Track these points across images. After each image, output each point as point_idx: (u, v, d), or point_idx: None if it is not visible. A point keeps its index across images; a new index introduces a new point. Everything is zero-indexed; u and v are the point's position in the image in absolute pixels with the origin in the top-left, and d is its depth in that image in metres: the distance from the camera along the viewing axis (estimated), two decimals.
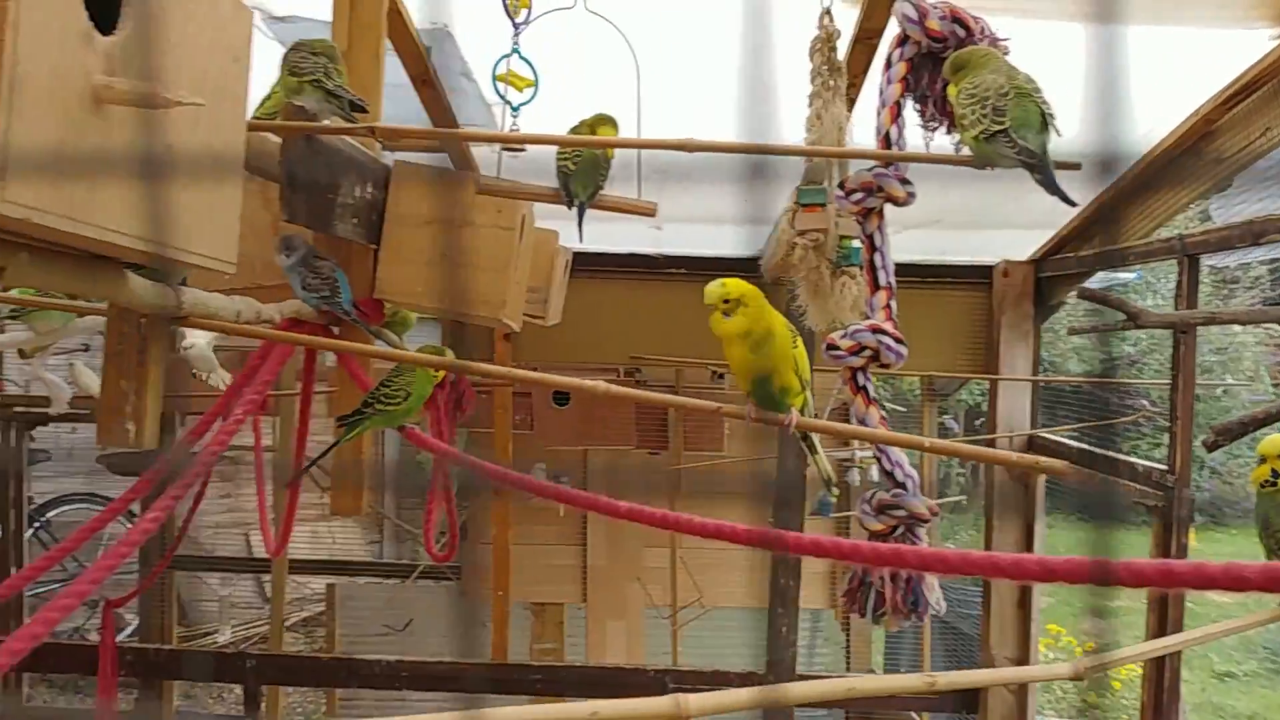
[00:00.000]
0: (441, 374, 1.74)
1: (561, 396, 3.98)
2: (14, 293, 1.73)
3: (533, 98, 1.75)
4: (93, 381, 3.05)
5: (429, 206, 1.81)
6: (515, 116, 1.75)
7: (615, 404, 3.87)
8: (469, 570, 4.36)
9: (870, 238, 1.62)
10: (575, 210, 1.75)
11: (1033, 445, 3.56)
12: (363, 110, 1.53)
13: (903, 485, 1.60)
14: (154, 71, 0.89)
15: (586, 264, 3.31)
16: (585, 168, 1.73)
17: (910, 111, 1.59)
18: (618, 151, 1.73)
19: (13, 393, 4.70)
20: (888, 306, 1.61)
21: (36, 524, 5.34)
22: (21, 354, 1.92)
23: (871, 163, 1.57)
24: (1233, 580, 0.72)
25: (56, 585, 5.45)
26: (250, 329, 1.51)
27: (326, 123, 1.54)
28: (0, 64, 0.74)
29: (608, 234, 3.33)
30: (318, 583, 6.16)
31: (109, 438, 1.32)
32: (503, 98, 1.74)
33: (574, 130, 1.72)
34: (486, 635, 3.77)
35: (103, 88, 0.85)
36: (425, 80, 2.28)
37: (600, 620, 4.25)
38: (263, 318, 1.55)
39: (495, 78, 1.74)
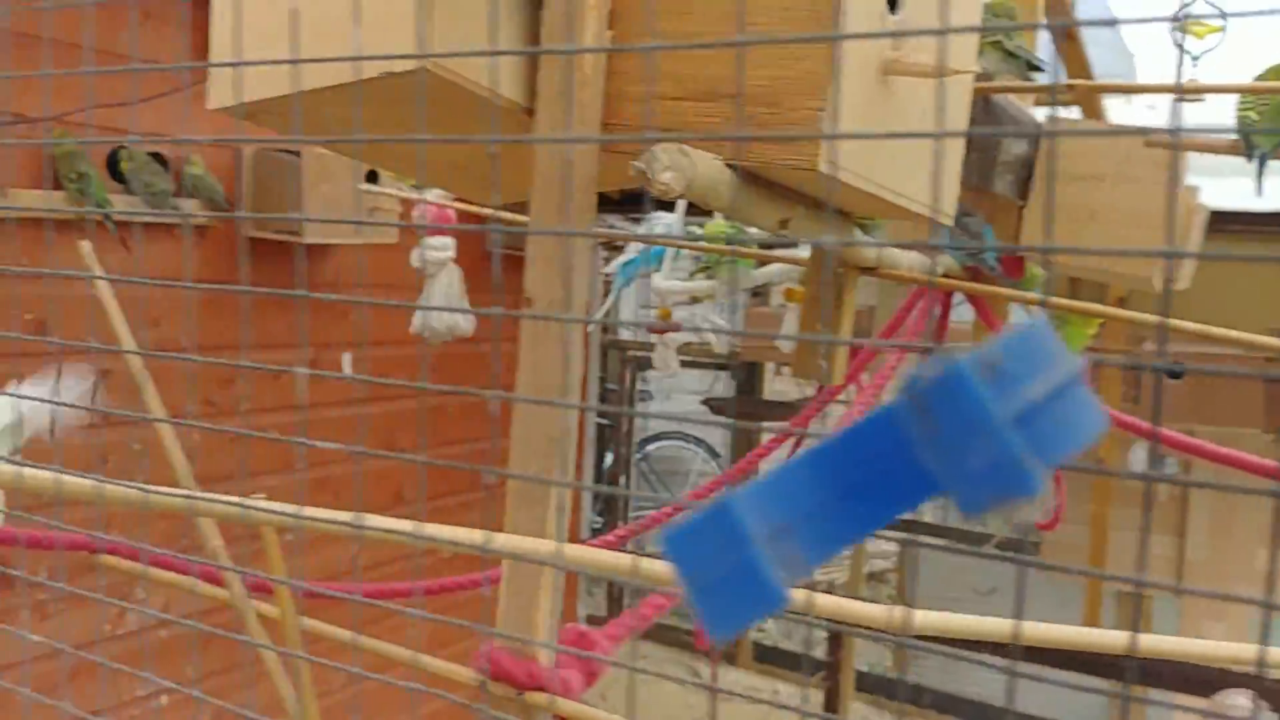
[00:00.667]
0: (1094, 331, 1.72)
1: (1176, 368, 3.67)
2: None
3: (1218, 44, 1.65)
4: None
5: (1088, 162, 1.78)
6: (1195, 65, 1.67)
7: (1238, 378, 3.50)
8: (1049, 546, 4.23)
9: None
10: (1254, 163, 1.63)
11: None
12: (1039, 70, 1.56)
13: None
14: (929, 45, 0.98)
15: (1226, 223, 3.01)
16: (1272, 116, 1.60)
17: None
18: None
19: (625, 338, 5.40)
20: None
21: (639, 455, 6.13)
22: (694, 299, 2.23)
23: None
24: None
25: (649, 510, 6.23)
26: (918, 278, 1.62)
27: (1002, 82, 1.59)
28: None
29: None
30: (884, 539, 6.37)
31: (803, 372, 1.50)
32: (1181, 47, 1.66)
33: (1261, 78, 1.60)
34: (1074, 617, 3.66)
35: (891, 61, 0.96)
36: (1069, 34, 2.25)
37: (1195, 620, 3.91)
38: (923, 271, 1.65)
39: (1174, 27, 1.66)
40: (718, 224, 2.06)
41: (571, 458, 1.01)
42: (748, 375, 5.12)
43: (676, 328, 2.05)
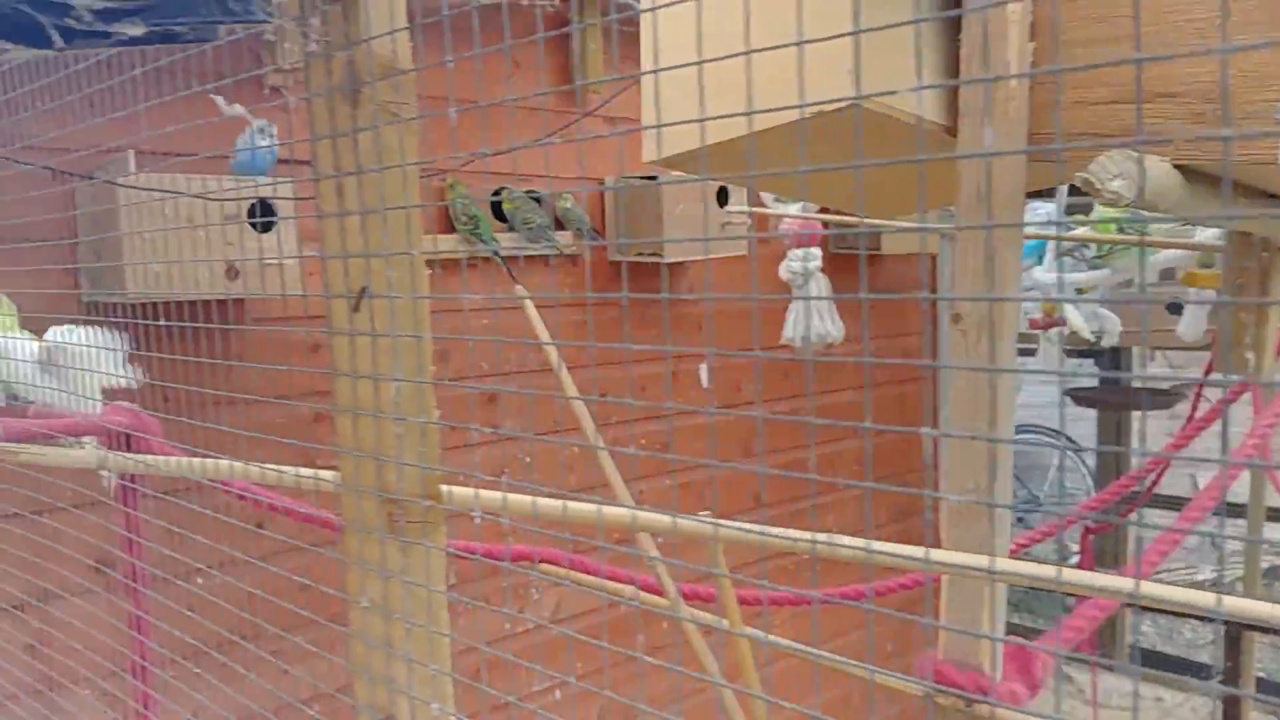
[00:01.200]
0: None
1: None
2: (1083, 231, 1.92)
3: None
4: (1075, 321, 3.23)
5: None
6: None
7: None
8: None
9: None
10: None
11: None
12: None
13: None
14: None
15: None
16: None
17: None
18: None
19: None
20: None
21: None
22: (1079, 291, 2.13)
23: None
24: None
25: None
26: None
27: None
28: None
29: None
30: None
31: (1229, 366, 1.40)
32: None
33: None
34: None
35: None
36: None
37: None
38: None
39: None
40: (1105, 211, 1.96)
41: (1009, 472, 1.01)
42: (1113, 362, 4.79)
43: (1059, 323, 1.97)
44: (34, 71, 1.62)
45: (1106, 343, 2.73)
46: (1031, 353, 4.96)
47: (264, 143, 2.32)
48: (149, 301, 2.03)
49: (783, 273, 2.33)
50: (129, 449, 1.34)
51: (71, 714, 2.27)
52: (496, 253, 2.80)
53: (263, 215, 2.34)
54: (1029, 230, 2.13)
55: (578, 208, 2.97)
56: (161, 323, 1.19)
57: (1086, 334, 3.15)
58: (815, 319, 2.26)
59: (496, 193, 2.89)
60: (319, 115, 0.70)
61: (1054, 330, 2.09)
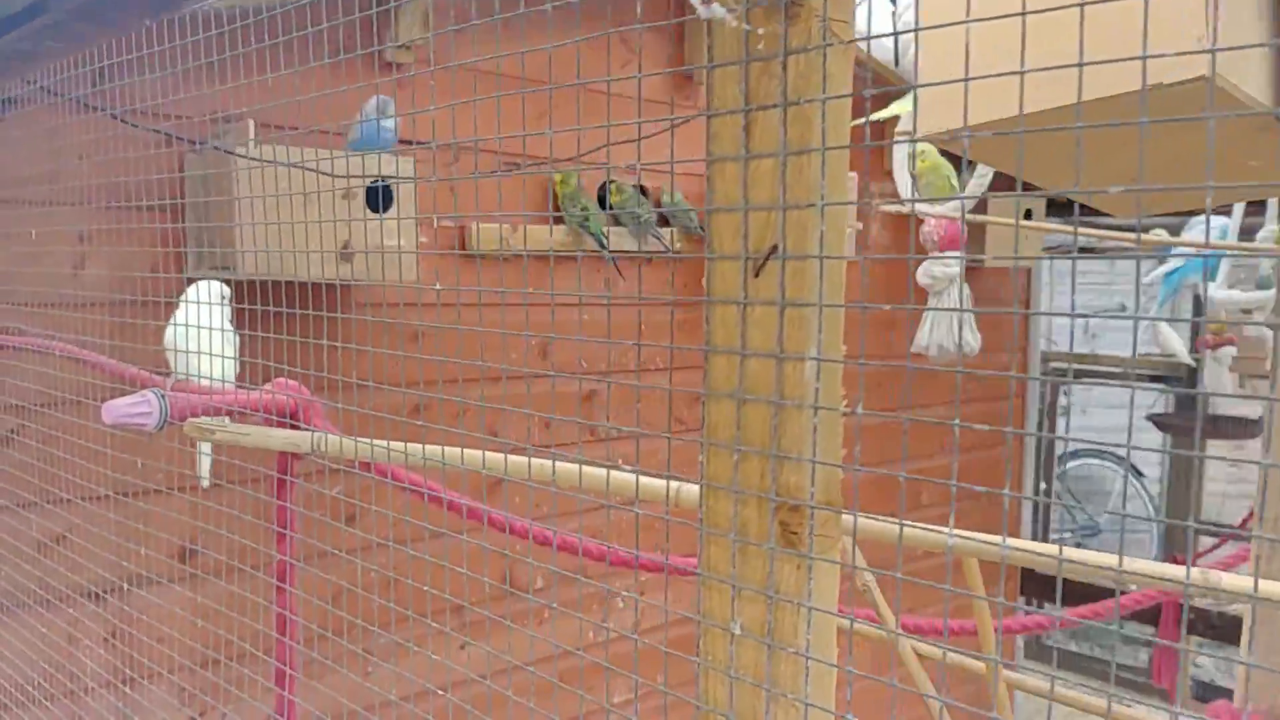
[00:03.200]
0: None
1: None
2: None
3: None
4: (1173, 343, 3.10)
5: None
6: None
7: None
8: None
9: None
10: None
11: None
12: None
13: None
14: None
15: None
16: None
17: None
18: None
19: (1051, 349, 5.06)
20: None
21: (1057, 472, 5.72)
22: (1245, 311, 2.00)
23: None
24: None
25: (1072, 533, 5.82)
26: None
27: None
28: None
29: None
30: None
31: None
32: None
33: None
34: None
35: None
36: None
37: None
38: None
39: None
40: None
41: None
42: (1190, 387, 4.65)
43: (1230, 342, 1.83)
44: (149, 36, 1.51)
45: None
46: (1113, 376, 4.79)
47: (386, 121, 2.20)
48: (257, 280, 1.92)
49: (922, 277, 2.20)
50: (294, 429, 1.22)
51: (147, 709, 2.16)
52: (604, 245, 2.68)
53: (382, 197, 2.22)
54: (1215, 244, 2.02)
55: (685, 203, 2.85)
56: (316, 312, 1.06)
57: (1185, 358, 3.00)
58: (956, 327, 2.13)
59: (603, 185, 2.78)
60: (723, 40, 0.57)
61: (1223, 350, 1.96)
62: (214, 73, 1.37)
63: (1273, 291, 2.08)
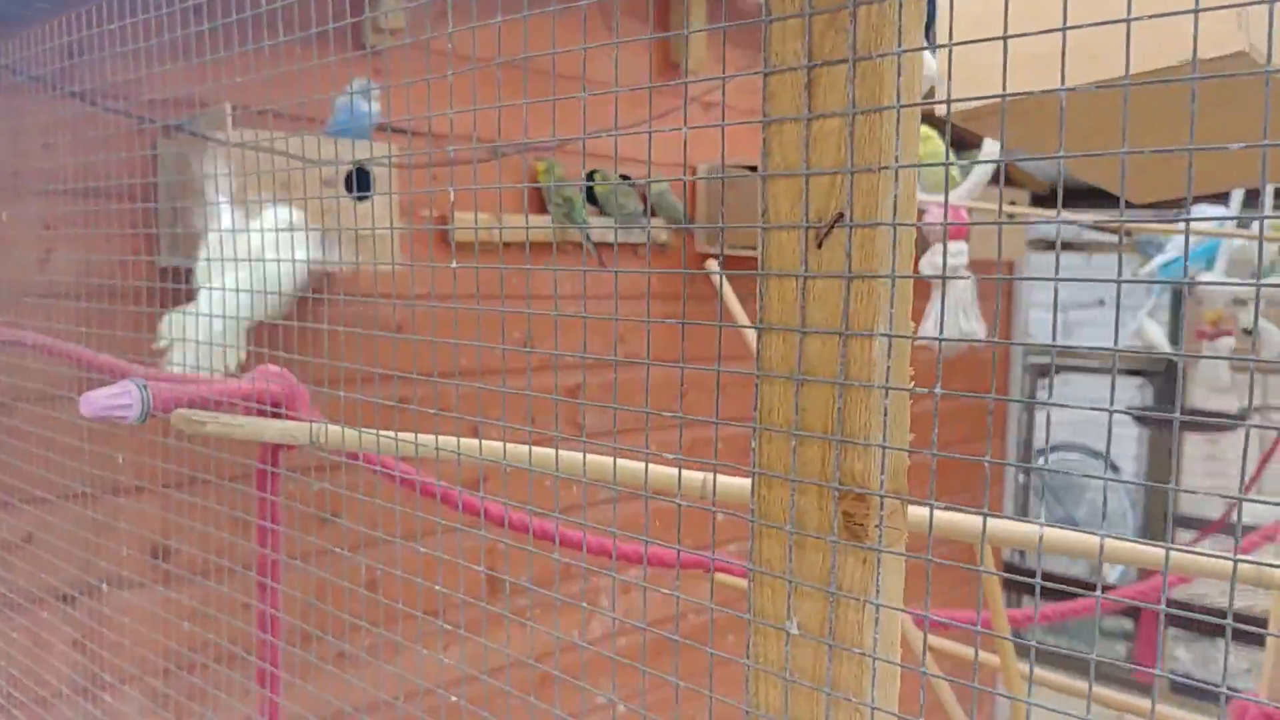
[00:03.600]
0: None
1: None
2: None
3: None
4: (1155, 336, 3.09)
5: None
6: None
7: None
8: None
9: None
10: None
11: None
12: None
13: None
14: None
15: None
16: None
17: None
18: None
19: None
20: None
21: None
22: (1236, 301, 1.98)
23: None
24: None
25: None
26: None
27: None
28: None
29: None
30: None
31: None
32: None
33: None
34: None
35: None
36: None
37: None
38: None
39: None
40: None
41: None
42: (1168, 381, 4.67)
43: (1228, 333, 1.81)
44: (115, 11, 1.45)
45: (1268, 354, 2.57)
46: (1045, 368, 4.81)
47: (365, 105, 2.14)
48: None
49: (924, 267, 2.17)
50: (279, 418, 1.16)
51: (121, 714, 2.09)
52: (588, 236, 2.63)
53: (359, 184, 2.16)
54: (1210, 229, 2.00)
55: (671, 194, 2.81)
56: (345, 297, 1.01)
57: (1167, 348, 2.99)
58: (961, 317, 2.10)
59: (590, 175, 2.72)
60: None
61: (1221, 341, 1.94)
62: (190, 56, 1.31)
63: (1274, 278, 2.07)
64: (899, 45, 0.50)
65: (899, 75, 0.51)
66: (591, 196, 2.72)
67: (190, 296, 1.68)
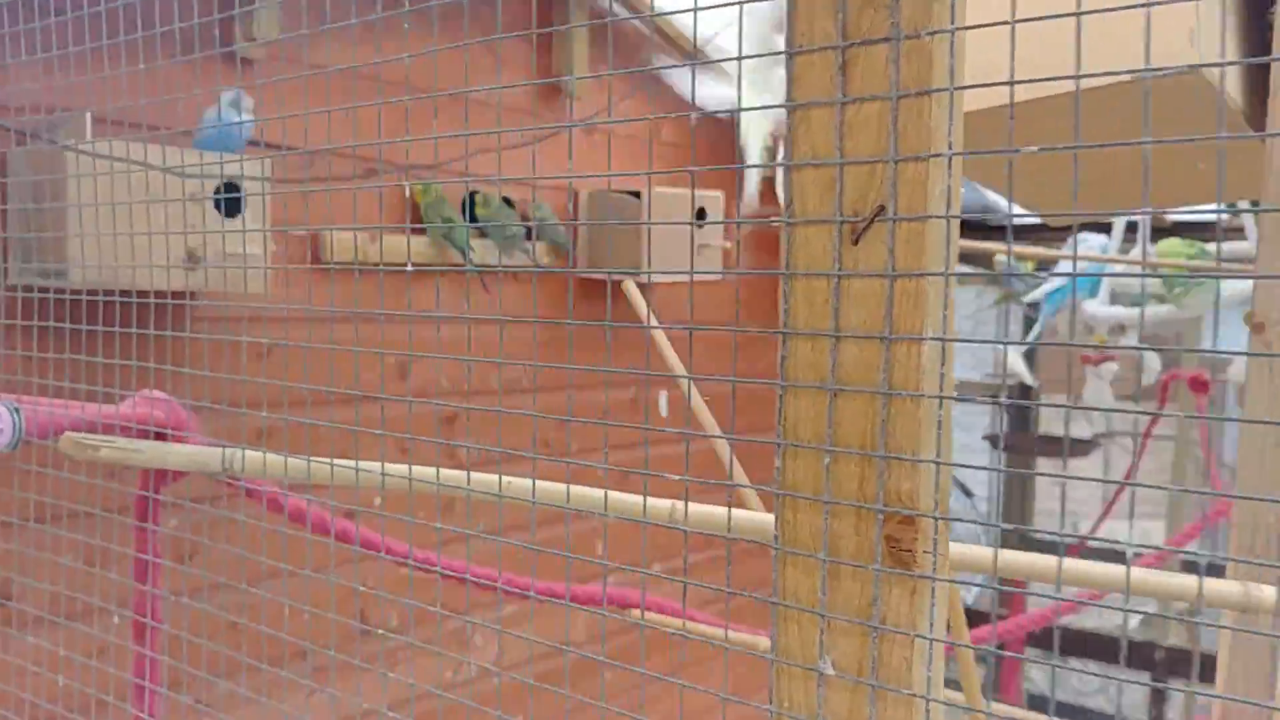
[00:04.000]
0: None
1: None
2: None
3: None
4: (1017, 365, 3.19)
5: None
6: None
7: None
8: None
9: None
10: None
11: None
12: None
13: None
14: None
15: None
16: None
17: None
18: None
19: None
20: None
21: None
22: (1120, 327, 2.05)
23: None
24: None
25: None
26: None
27: None
28: None
29: None
30: None
31: None
32: None
33: None
34: None
35: None
36: None
37: None
38: None
39: None
40: (1172, 243, 1.87)
41: None
42: (1022, 408, 4.87)
43: (1113, 358, 1.87)
44: None
45: (1146, 380, 2.66)
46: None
47: (237, 117, 2.00)
48: (91, 289, 1.69)
49: None
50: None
51: None
52: (470, 259, 2.54)
53: (229, 196, 2.01)
54: (1095, 260, 2.08)
55: (554, 217, 2.74)
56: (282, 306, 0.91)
57: (1028, 379, 3.09)
58: None
59: (470, 197, 2.63)
60: None
61: (1104, 366, 2.01)
62: (50, 63, 1.20)
63: (1136, 310, 2.15)
64: (952, 22, 0.46)
65: (950, 56, 0.46)
66: (473, 217, 2.63)
67: None
